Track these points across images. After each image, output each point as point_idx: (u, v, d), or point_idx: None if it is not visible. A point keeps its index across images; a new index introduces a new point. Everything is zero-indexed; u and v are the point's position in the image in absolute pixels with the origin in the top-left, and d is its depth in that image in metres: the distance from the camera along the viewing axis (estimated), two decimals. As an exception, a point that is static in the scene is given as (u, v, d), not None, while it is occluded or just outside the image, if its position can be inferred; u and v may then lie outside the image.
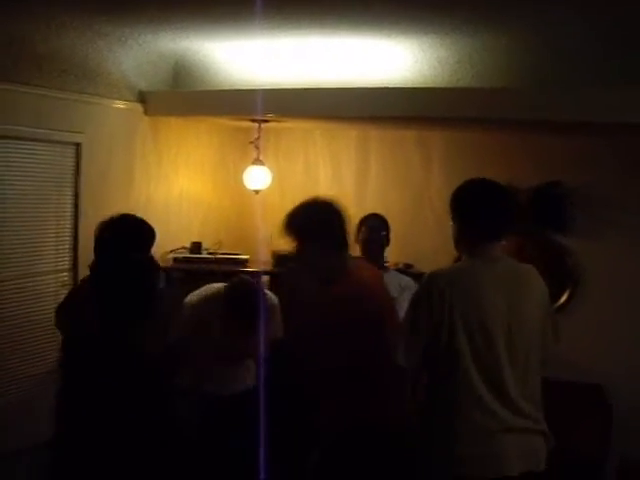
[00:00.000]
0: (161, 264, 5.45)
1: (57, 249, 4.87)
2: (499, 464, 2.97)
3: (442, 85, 4.83)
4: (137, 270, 3.23)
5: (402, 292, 4.54)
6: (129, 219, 3.81)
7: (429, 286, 3.14)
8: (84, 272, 4.90)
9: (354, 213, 6.17)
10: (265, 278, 5.55)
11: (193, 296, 4.18)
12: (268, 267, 5.64)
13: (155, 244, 5.50)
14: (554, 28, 3.97)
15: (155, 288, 3.31)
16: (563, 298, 5.51)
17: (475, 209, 3.24)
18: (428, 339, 3.03)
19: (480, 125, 5.22)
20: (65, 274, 4.90)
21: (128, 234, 3.68)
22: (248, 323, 3.73)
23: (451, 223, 3.30)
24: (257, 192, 5.82)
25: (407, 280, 4.87)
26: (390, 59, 4.96)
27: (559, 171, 5.34)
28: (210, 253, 5.84)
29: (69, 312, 3.59)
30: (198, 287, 4.29)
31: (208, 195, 6.27)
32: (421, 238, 5.87)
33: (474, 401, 2.97)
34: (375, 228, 4.95)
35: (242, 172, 5.83)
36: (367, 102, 4.85)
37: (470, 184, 3.30)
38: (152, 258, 3.58)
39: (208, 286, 4.22)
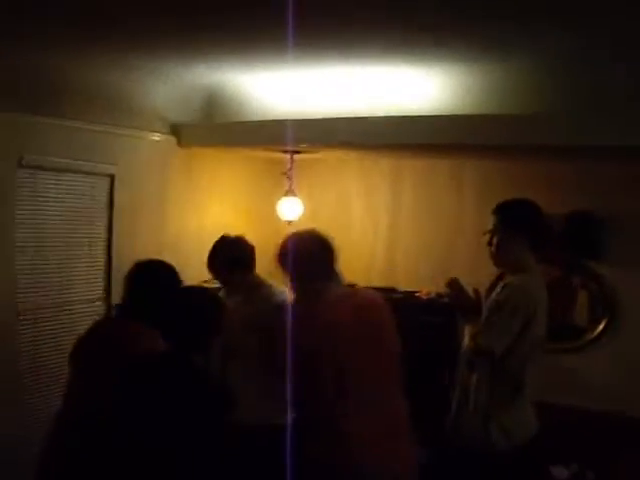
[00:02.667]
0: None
1: (90, 279, 4.91)
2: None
3: (470, 112, 4.81)
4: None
5: None
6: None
7: (527, 299, 3.58)
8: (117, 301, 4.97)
9: (388, 244, 6.24)
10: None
11: None
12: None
13: (188, 276, 5.57)
14: (580, 53, 3.94)
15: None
16: (600, 328, 5.44)
17: (539, 223, 3.76)
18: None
19: (510, 154, 5.19)
20: (98, 303, 4.93)
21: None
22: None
23: (494, 239, 3.73)
24: (290, 223, 5.83)
25: None
26: (417, 87, 4.96)
27: (592, 198, 5.29)
28: (243, 283, 5.83)
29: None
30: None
31: (241, 226, 6.27)
32: (455, 267, 5.82)
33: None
34: None
35: (275, 203, 5.84)
36: (396, 130, 4.85)
37: (523, 201, 3.81)
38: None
39: None
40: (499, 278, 3.81)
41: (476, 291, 3.91)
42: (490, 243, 3.82)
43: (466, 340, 3.72)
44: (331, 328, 3.23)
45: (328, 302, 3.33)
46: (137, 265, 3.63)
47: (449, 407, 3.88)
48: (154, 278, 3.54)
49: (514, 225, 3.74)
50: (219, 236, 4.37)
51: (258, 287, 4.27)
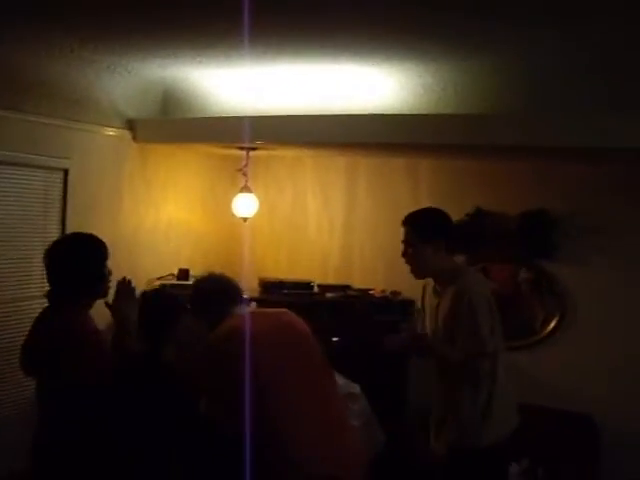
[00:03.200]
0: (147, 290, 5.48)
1: (45, 274, 4.85)
2: None
3: (428, 112, 4.85)
4: None
5: None
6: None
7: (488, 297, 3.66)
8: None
9: (343, 241, 6.26)
10: (252, 305, 5.55)
11: None
12: (255, 294, 5.64)
13: (143, 271, 5.55)
14: (538, 53, 3.99)
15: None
16: (551, 325, 5.52)
17: (449, 229, 3.87)
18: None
19: (466, 152, 5.24)
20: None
21: None
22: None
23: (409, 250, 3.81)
24: (245, 220, 5.82)
25: None
26: (375, 86, 4.98)
27: (546, 198, 5.37)
28: (197, 280, 5.81)
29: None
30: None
31: (196, 222, 6.27)
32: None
33: None
34: None
35: (230, 200, 5.82)
36: (353, 129, 4.87)
37: (431, 210, 3.96)
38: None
39: None
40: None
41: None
42: (404, 254, 3.85)
43: (455, 357, 3.64)
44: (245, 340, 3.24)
45: (237, 320, 3.43)
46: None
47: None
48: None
49: (426, 234, 3.78)
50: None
51: None
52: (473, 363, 3.60)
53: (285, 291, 5.78)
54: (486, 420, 3.60)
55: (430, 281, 3.88)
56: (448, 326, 3.65)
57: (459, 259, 3.86)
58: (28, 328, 3.54)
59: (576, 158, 5.04)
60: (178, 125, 5.61)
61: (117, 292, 3.52)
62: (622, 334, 5.23)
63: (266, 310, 3.96)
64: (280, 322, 3.57)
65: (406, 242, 3.85)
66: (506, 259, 5.62)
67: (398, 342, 3.85)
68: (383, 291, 5.80)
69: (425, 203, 5.83)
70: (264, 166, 6.31)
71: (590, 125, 4.27)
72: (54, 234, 4.88)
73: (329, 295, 5.82)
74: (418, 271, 3.84)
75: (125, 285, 3.55)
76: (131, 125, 5.49)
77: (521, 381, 5.36)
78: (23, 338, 3.58)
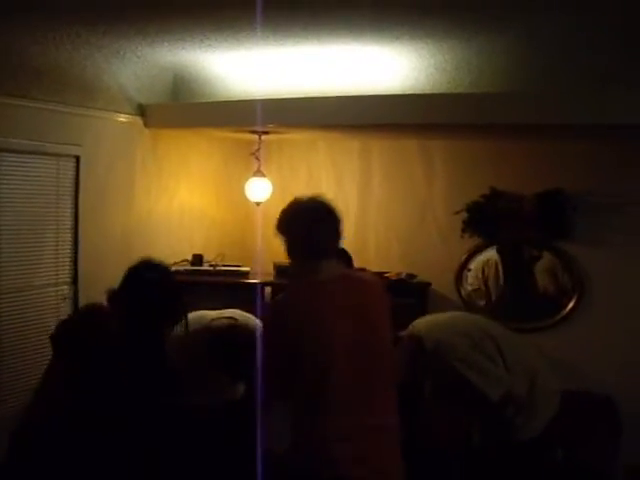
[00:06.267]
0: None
1: (57, 262, 4.85)
2: None
3: (440, 91, 4.79)
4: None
5: None
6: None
7: None
8: (84, 285, 4.92)
9: (358, 225, 6.21)
10: (267, 289, 5.53)
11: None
12: (269, 278, 5.62)
13: (156, 257, 5.52)
14: (551, 30, 3.93)
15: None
16: (569, 306, 5.47)
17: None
18: None
19: (480, 132, 5.19)
20: (65, 287, 4.87)
21: None
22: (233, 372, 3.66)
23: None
24: (258, 204, 5.79)
25: None
26: (387, 66, 4.93)
27: (562, 177, 5.31)
28: (211, 265, 5.81)
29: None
30: (199, 300, 4.17)
31: (210, 207, 6.25)
32: (424, 247, 5.84)
33: None
34: None
35: (244, 184, 5.79)
36: (366, 110, 4.82)
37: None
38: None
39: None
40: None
41: None
42: None
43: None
44: (314, 320, 2.96)
45: (316, 286, 3.05)
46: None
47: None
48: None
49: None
50: None
51: None
52: None
53: (300, 275, 5.74)
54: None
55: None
56: None
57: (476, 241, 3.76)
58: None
59: (591, 136, 4.98)
60: (189, 110, 5.57)
61: None
62: (640, 313, 5.18)
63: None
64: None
65: None
66: (522, 240, 5.58)
67: None
68: (399, 274, 5.76)
69: (439, 184, 5.86)
70: (277, 150, 6.28)
71: (604, 102, 4.21)
72: (67, 222, 4.88)
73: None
74: None
75: None
76: (142, 111, 5.47)
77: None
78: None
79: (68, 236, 4.90)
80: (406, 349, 4.19)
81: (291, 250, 3.12)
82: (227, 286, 5.55)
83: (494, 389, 4.04)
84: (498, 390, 4.05)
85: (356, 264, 5.98)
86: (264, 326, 3.19)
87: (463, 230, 5.59)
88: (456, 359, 4.08)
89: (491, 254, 5.70)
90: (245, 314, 4.07)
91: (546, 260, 5.58)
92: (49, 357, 4.52)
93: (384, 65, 4.92)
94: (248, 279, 5.67)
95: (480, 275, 5.73)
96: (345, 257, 3.96)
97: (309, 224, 3.10)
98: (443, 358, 4.11)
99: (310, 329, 2.93)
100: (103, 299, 3.35)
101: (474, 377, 4.02)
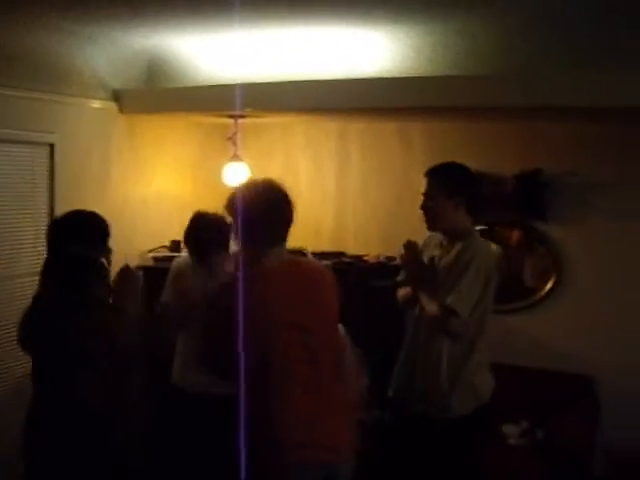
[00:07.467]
0: (141, 263, 5.43)
1: (36, 251, 4.79)
2: None
3: (418, 74, 4.77)
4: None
5: None
6: (79, 214, 3.63)
7: (487, 262, 3.62)
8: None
9: (336, 208, 6.20)
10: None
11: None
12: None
13: (134, 243, 5.50)
14: (528, 10, 3.92)
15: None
16: (548, 286, 5.49)
17: (475, 187, 3.81)
18: None
19: (459, 114, 5.18)
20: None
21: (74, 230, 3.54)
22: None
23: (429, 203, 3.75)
24: (236, 189, 5.74)
25: None
26: (365, 50, 4.90)
27: (540, 158, 5.31)
28: (190, 251, 5.76)
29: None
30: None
31: (187, 193, 6.20)
32: (403, 229, 5.81)
33: None
34: None
35: (221, 169, 5.75)
36: (343, 93, 4.80)
37: (458, 165, 3.78)
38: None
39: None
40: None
41: (432, 259, 3.81)
42: (423, 207, 3.77)
43: (431, 307, 3.60)
44: (262, 304, 2.96)
45: (265, 273, 3.04)
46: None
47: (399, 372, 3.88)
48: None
49: (452, 189, 3.68)
50: (197, 213, 4.32)
51: None
52: (443, 323, 3.53)
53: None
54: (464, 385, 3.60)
55: (435, 236, 3.84)
56: (444, 277, 3.63)
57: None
58: (17, 306, 3.49)
59: (571, 117, 4.97)
60: (165, 95, 5.52)
61: (119, 277, 3.47)
62: (618, 293, 5.21)
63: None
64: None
65: (428, 195, 3.76)
66: (503, 221, 5.58)
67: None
68: (377, 257, 5.76)
69: (417, 167, 5.78)
70: (254, 134, 6.23)
71: (584, 85, 4.20)
72: (42, 210, 4.83)
73: (323, 262, 5.76)
74: (435, 224, 3.78)
75: (126, 271, 3.50)
76: (117, 96, 5.41)
77: (519, 343, 5.39)
78: (12, 316, 3.53)
79: (45, 224, 4.83)
80: None
81: (241, 233, 3.04)
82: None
83: None
84: None
85: (335, 247, 5.99)
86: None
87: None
88: None
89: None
90: None
91: (524, 240, 5.59)
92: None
93: (361, 48, 4.90)
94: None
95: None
96: None
97: (261, 210, 3.01)
98: None
99: (257, 314, 2.90)
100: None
101: None
